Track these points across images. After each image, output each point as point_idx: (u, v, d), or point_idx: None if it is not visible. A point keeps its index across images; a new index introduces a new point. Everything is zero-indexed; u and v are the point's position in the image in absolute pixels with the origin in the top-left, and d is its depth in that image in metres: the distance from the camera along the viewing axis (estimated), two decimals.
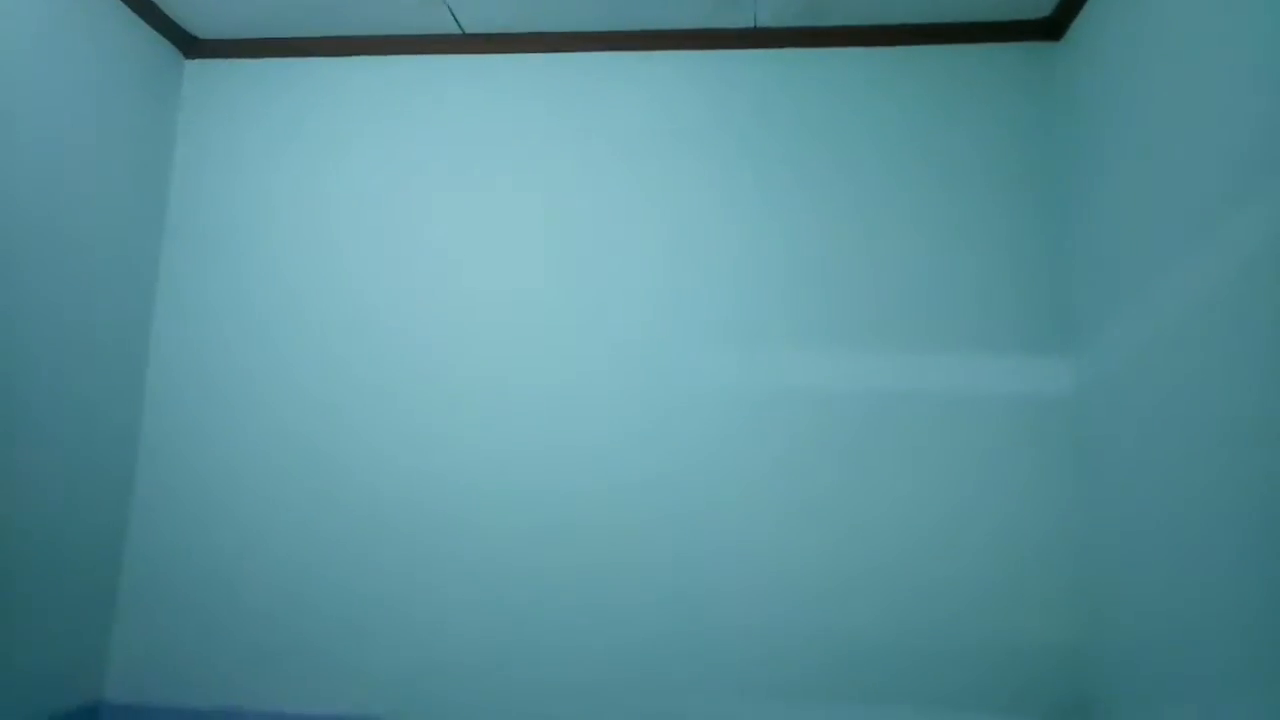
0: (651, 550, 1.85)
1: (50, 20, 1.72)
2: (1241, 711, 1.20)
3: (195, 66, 2.13)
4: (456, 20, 2.01)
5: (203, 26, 2.07)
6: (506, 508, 1.90)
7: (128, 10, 1.94)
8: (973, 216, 1.90)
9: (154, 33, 2.02)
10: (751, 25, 1.99)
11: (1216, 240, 1.29)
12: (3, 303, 1.61)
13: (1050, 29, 1.93)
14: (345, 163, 2.07)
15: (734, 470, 1.86)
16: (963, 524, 1.79)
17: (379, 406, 1.96)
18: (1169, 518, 1.42)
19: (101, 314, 1.88)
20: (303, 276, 2.03)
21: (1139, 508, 1.53)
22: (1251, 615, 1.19)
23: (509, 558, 1.88)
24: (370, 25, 2.05)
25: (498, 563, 1.88)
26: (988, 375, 1.84)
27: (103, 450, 1.89)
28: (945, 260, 1.89)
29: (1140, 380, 1.53)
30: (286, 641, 1.90)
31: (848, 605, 1.79)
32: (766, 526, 1.83)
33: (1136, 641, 1.53)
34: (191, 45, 2.12)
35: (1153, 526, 1.47)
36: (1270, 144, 1.18)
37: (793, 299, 1.91)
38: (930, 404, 1.84)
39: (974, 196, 1.91)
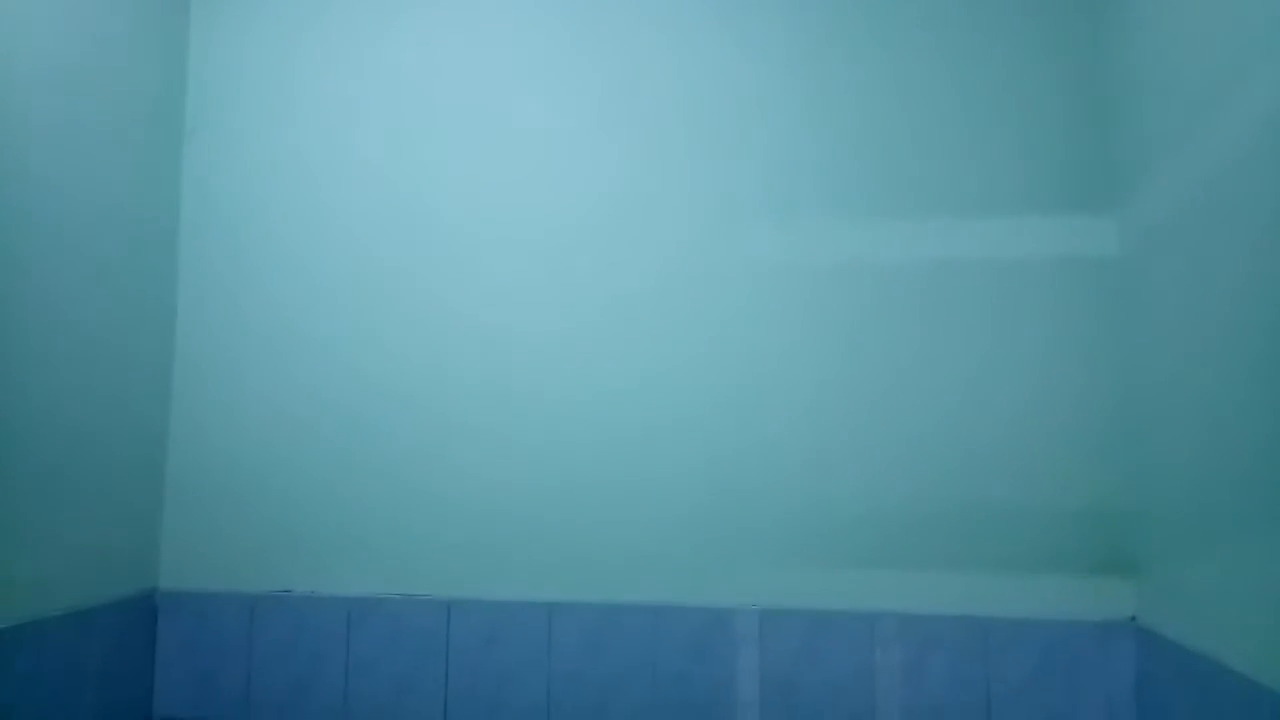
0: (687, 428, 1.87)
1: None
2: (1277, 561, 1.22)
3: None
4: None
5: None
6: (545, 387, 1.92)
7: None
8: (1011, 74, 1.86)
9: None
10: None
11: (1265, 85, 1.24)
12: (26, 201, 1.62)
13: None
14: (376, 45, 2.05)
15: (768, 344, 1.86)
16: (1002, 389, 1.79)
17: (419, 291, 1.97)
18: (1211, 376, 1.41)
19: (128, 210, 1.89)
20: (338, 166, 2.04)
21: (1181, 367, 1.52)
22: None
23: (548, 435, 1.91)
24: None
25: (539, 440, 1.91)
26: (1030, 237, 1.82)
27: (139, 342, 1.92)
28: (984, 120, 1.86)
29: (1186, 236, 1.50)
30: (333, 526, 1.94)
31: (886, 476, 1.81)
32: (803, 400, 1.84)
33: (1175, 501, 1.54)
34: None
35: (1194, 386, 1.47)
36: None
37: (825, 166, 1.89)
38: (971, 270, 1.82)
39: (1012, 53, 1.86)
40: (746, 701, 1.81)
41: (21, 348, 1.59)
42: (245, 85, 2.07)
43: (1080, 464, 1.77)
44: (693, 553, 1.86)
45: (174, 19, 2.04)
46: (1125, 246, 1.77)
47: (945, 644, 1.77)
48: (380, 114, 2.03)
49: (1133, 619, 1.71)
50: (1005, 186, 1.84)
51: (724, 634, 1.83)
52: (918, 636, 1.78)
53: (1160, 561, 1.63)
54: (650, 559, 1.87)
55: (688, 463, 1.87)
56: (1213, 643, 1.40)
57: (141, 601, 1.92)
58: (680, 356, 1.90)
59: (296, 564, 1.95)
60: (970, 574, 1.77)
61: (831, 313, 1.86)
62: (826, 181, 1.89)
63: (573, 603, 1.87)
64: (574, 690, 1.85)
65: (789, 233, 1.89)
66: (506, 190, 1.97)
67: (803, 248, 1.89)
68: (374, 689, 1.90)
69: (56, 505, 1.68)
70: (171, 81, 2.03)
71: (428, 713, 1.88)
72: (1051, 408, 1.79)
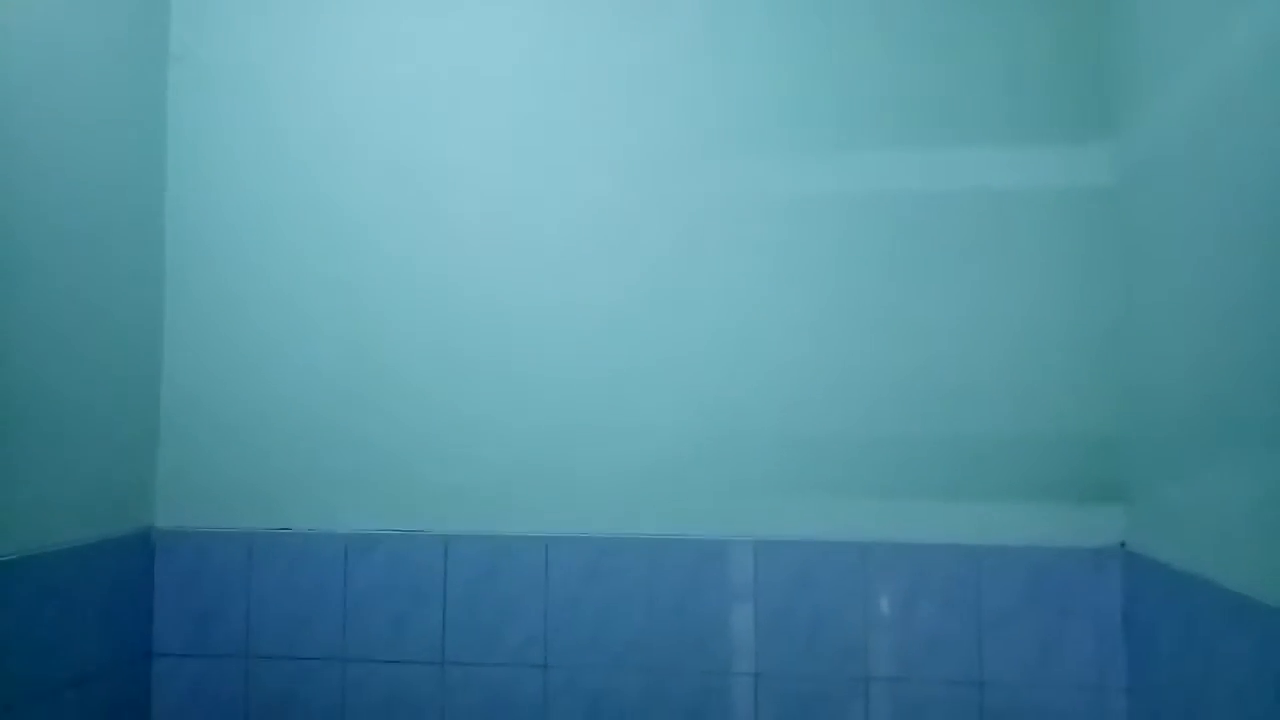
0: (680, 363, 1.87)
1: None
2: (1273, 482, 1.25)
3: None
4: None
5: None
6: (546, 319, 1.92)
7: None
8: None
9: None
10: None
11: (1264, 6, 1.23)
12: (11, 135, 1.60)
13: None
14: None
15: (760, 278, 1.86)
16: (993, 320, 1.80)
17: (413, 226, 1.96)
18: (1203, 302, 1.41)
19: (112, 148, 1.87)
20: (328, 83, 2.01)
21: (1173, 295, 1.53)
22: None
23: (544, 372, 1.91)
24: None
25: (535, 376, 1.91)
26: (1022, 167, 1.81)
27: (129, 278, 1.91)
28: (972, 47, 1.84)
29: (1182, 164, 1.49)
30: (330, 463, 1.94)
31: (879, 408, 1.82)
32: (795, 333, 1.85)
33: (1165, 427, 1.56)
34: None
35: (1186, 313, 1.48)
36: None
37: (800, 100, 1.87)
38: (963, 201, 1.82)
39: None
40: (742, 631, 1.83)
41: (11, 283, 1.58)
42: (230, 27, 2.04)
43: (1071, 393, 1.78)
44: (687, 486, 1.87)
45: None
46: (1119, 175, 1.77)
47: (937, 572, 1.79)
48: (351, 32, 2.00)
49: (1122, 545, 1.74)
50: (996, 115, 1.83)
51: (719, 566, 1.85)
52: (910, 565, 1.80)
53: (1150, 487, 1.65)
54: (646, 493, 1.88)
55: (682, 397, 1.88)
56: (1200, 562, 1.42)
57: (138, 540, 1.93)
58: (672, 292, 1.89)
59: (294, 502, 1.95)
60: (962, 503, 1.79)
61: (821, 246, 1.86)
62: (815, 113, 1.88)
63: (569, 537, 1.89)
64: (571, 623, 1.87)
65: (780, 167, 1.88)
66: (504, 128, 1.96)
67: (793, 181, 1.88)
68: (372, 624, 1.91)
69: (50, 442, 1.67)
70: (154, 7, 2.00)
71: (426, 647, 1.90)
72: (1042, 338, 1.79)
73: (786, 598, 1.83)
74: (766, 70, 1.89)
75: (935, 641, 1.78)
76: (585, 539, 1.88)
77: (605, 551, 1.88)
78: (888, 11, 1.87)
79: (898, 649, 1.79)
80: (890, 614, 1.80)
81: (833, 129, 1.87)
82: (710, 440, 1.87)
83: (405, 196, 1.96)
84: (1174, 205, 1.55)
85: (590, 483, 1.89)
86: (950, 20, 1.85)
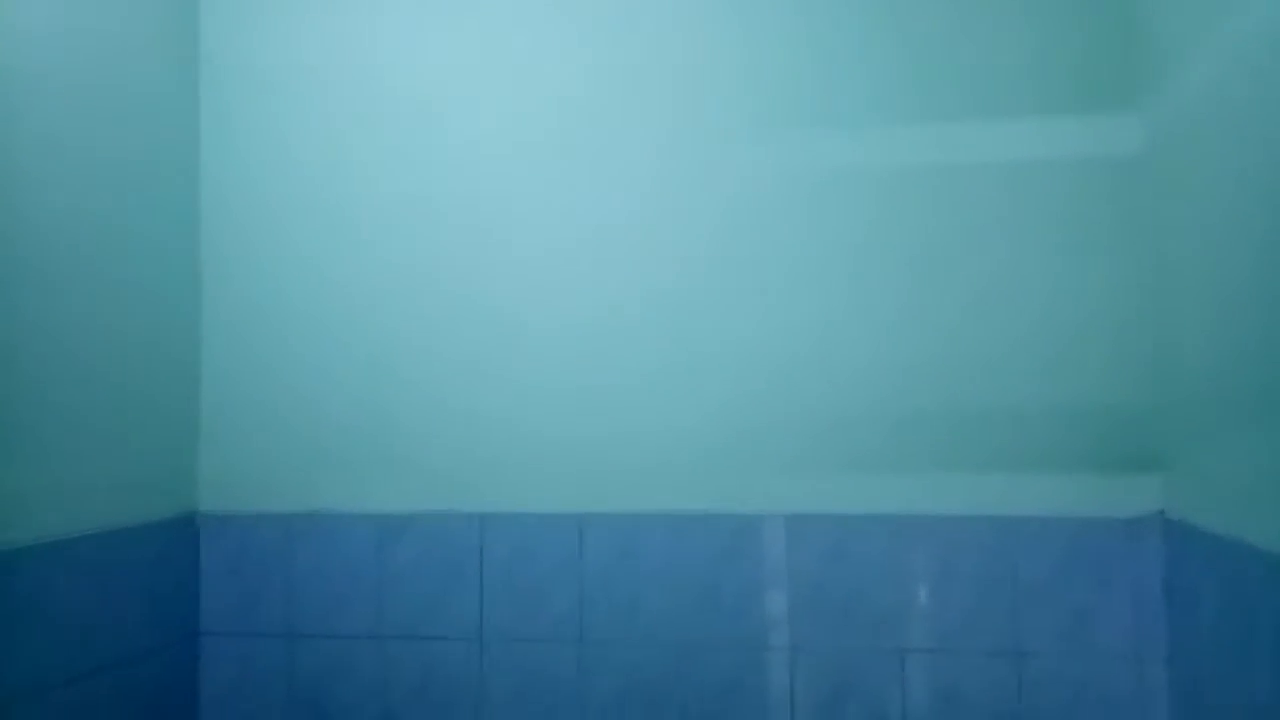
0: (711, 340, 1.87)
1: None
2: None
3: None
4: None
5: None
6: (580, 300, 1.93)
7: None
8: None
9: None
10: None
11: None
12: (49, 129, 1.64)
13: None
14: None
15: (790, 253, 1.85)
16: (1025, 290, 1.79)
17: (450, 204, 1.98)
18: (1235, 268, 1.39)
19: (147, 140, 1.91)
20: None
21: (1204, 261, 1.50)
22: None
23: (578, 350, 1.92)
24: None
25: (568, 355, 1.92)
26: (1049, 137, 1.79)
27: (165, 270, 1.95)
28: (997, 16, 1.82)
29: (1212, 131, 1.47)
30: (364, 445, 1.97)
31: (911, 380, 1.81)
32: (825, 308, 1.84)
33: (1200, 393, 1.54)
34: None
35: (1218, 277, 1.45)
36: None
37: (826, 77, 1.86)
38: (991, 173, 1.80)
39: None
40: (775, 606, 1.84)
41: (53, 275, 1.63)
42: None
43: (1105, 361, 1.76)
44: (720, 463, 1.87)
45: None
46: (1148, 143, 1.74)
47: (971, 545, 1.78)
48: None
49: (1161, 513, 1.72)
50: (1023, 87, 1.81)
51: (752, 541, 1.85)
52: (944, 538, 1.79)
53: (1188, 454, 1.62)
54: (679, 469, 1.89)
55: (714, 375, 1.88)
56: (1240, 525, 1.40)
57: (183, 523, 1.97)
58: (702, 272, 1.90)
59: (330, 484, 1.99)
60: (996, 475, 1.78)
61: (849, 223, 1.85)
62: (841, 90, 1.87)
63: (603, 514, 1.90)
64: (605, 599, 1.89)
65: (806, 143, 1.88)
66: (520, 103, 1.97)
67: (819, 158, 1.87)
68: (409, 602, 1.94)
69: (94, 429, 1.72)
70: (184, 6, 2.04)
71: (462, 624, 1.93)
72: (1074, 307, 1.77)
73: (820, 572, 1.83)
74: (793, 48, 1.88)
75: (971, 613, 1.77)
76: (619, 516, 1.90)
77: (639, 528, 1.89)
78: None
79: (933, 621, 1.79)
80: (925, 587, 1.80)
81: (858, 105, 1.86)
82: (742, 416, 1.87)
83: (441, 179, 1.98)
84: (1202, 172, 1.52)
85: (624, 460, 1.90)
86: None
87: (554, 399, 1.93)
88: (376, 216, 2.00)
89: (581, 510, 1.91)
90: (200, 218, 2.05)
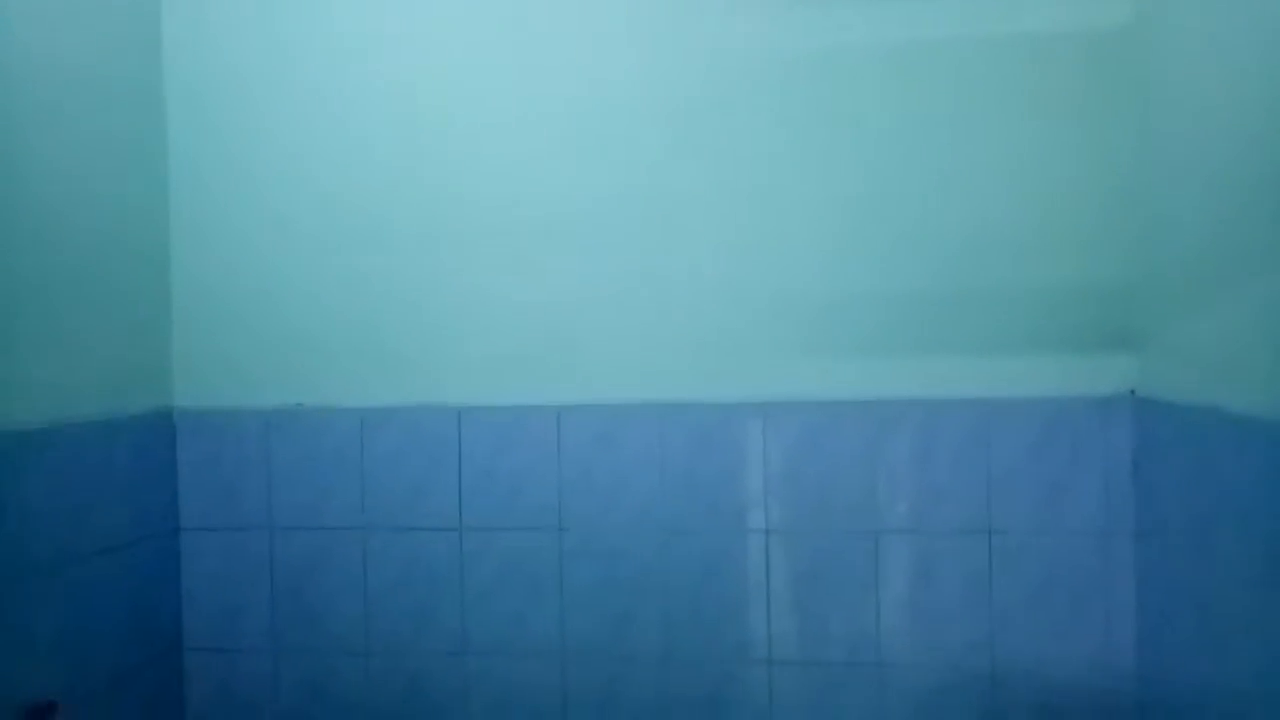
0: (687, 227, 1.86)
1: None
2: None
3: None
4: None
5: None
6: (555, 190, 1.90)
7: None
8: None
9: None
10: None
11: None
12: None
13: None
14: None
15: (766, 138, 1.83)
16: (1002, 168, 1.77)
17: (425, 97, 1.93)
18: (1217, 142, 1.39)
19: (108, 24, 1.85)
20: None
21: (1187, 136, 1.50)
22: None
23: (553, 241, 1.90)
24: None
25: (545, 246, 1.90)
26: (1033, 9, 1.75)
27: (130, 156, 1.90)
28: None
29: (1203, 1, 1.45)
30: (343, 338, 1.96)
31: (885, 263, 1.80)
32: (801, 192, 1.82)
33: (1176, 271, 1.55)
34: None
35: (1199, 153, 1.45)
36: None
37: None
38: (972, 47, 1.77)
39: None
40: (752, 491, 1.86)
41: (17, 165, 1.59)
42: None
43: (1083, 241, 1.76)
44: (696, 351, 1.87)
45: None
46: (1135, 15, 1.71)
47: (946, 426, 1.80)
48: None
49: (1132, 392, 1.74)
50: None
51: (729, 428, 1.86)
52: (919, 421, 1.81)
53: (1162, 331, 1.64)
54: (655, 359, 1.89)
55: (688, 261, 1.87)
56: (1210, 392, 1.42)
57: (159, 418, 1.97)
58: (680, 155, 1.87)
59: (309, 378, 1.98)
60: (971, 357, 1.79)
61: (826, 97, 1.82)
62: None
63: (581, 405, 1.91)
64: (584, 488, 1.90)
65: (782, 17, 1.84)
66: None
67: (792, 33, 1.83)
68: (390, 495, 1.95)
69: (63, 319, 1.70)
70: None
71: (443, 514, 1.94)
72: (1051, 187, 1.77)
73: (796, 457, 1.85)
74: None
75: (945, 494, 1.80)
76: (596, 406, 1.90)
77: (616, 418, 1.90)
78: None
79: (907, 503, 1.81)
80: (900, 469, 1.82)
81: None
82: (718, 304, 1.87)
83: (415, 73, 1.93)
84: (1191, 45, 1.50)
85: (600, 351, 1.90)
86: None
87: (530, 292, 1.92)
88: (352, 105, 1.95)
89: (559, 402, 1.91)
90: (167, 106, 2.00)
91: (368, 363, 1.97)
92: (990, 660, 1.78)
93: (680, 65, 1.86)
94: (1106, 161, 1.75)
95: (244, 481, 1.99)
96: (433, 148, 1.93)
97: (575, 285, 1.91)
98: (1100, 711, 1.75)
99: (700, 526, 1.87)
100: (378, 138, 1.95)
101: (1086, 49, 1.75)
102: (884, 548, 1.82)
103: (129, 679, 1.84)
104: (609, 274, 1.90)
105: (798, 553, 1.84)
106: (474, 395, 1.93)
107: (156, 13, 1.98)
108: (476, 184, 1.93)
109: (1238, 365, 1.35)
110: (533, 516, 1.92)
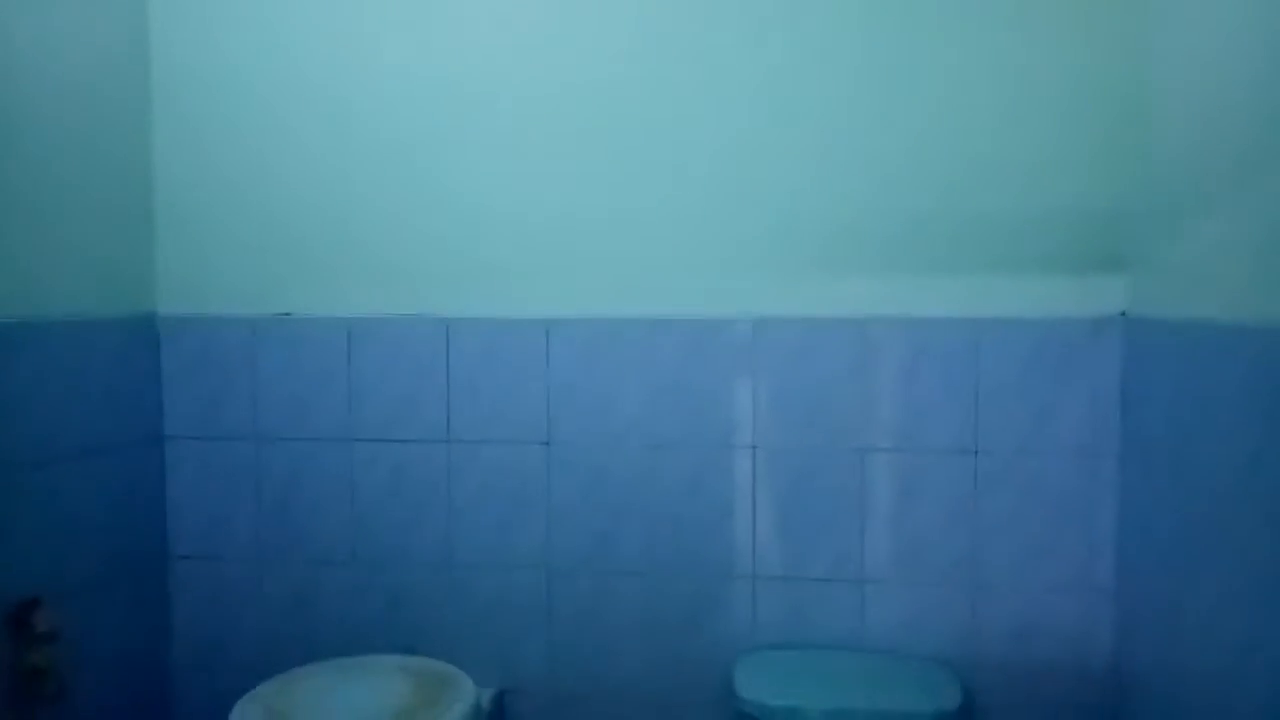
0: (678, 141, 1.83)
1: None
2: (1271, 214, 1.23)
3: None
4: None
5: None
6: (545, 101, 1.87)
7: None
8: None
9: None
10: None
11: None
12: None
13: None
14: None
15: (756, 51, 1.80)
16: (993, 89, 1.75)
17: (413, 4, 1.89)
18: (1213, 55, 1.38)
19: None
20: None
21: (1181, 52, 1.49)
22: None
23: (543, 153, 1.87)
24: None
25: (534, 158, 1.87)
26: None
27: (111, 57, 1.86)
28: None
29: None
30: (330, 247, 1.94)
31: (878, 182, 1.78)
32: (793, 108, 1.80)
33: (1174, 186, 1.54)
34: None
35: (1195, 67, 1.44)
36: None
37: None
38: None
39: None
40: (740, 407, 1.85)
41: None
42: None
43: (1076, 161, 1.74)
44: (686, 266, 1.86)
45: None
46: None
47: (936, 346, 1.79)
48: None
49: (1123, 314, 1.73)
50: None
51: (718, 344, 1.86)
52: (908, 340, 1.80)
53: (1154, 250, 1.63)
54: (644, 273, 1.87)
55: (680, 177, 1.85)
56: (1202, 305, 1.42)
57: (143, 324, 1.95)
58: (669, 71, 1.84)
59: (295, 287, 1.96)
60: (961, 277, 1.78)
61: (816, 14, 1.79)
62: None
63: (569, 318, 1.89)
64: (572, 402, 1.90)
65: None
66: None
67: None
68: (377, 406, 1.95)
69: (41, 215, 1.67)
70: None
71: (430, 427, 1.93)
72: (1044, 107, 1.74)
73: (785, 374, 1.84)
74: None
75: (932, 413, 1.80)
76: (585, 320, 1.89)
77: (605, 332, 1.88)
78: None
79: (894, 422, 1.82)
80: (888, 388, 1.81)
81: None
82: (708, 219, 1.85)
83: None
84: None
85: (589, 264, 1.89)
86: None
87: (520, 204, 1.89)
88: (339, 9, 1.91)
89: (548, 315, 1.90)
90: (149, 6, 1.94)
91: (355, 273, 1.94)
92: (971, 578, 1.80)
93: None
94: (1100, 83, 1.72)
95: (229, 390, 1.98)
96: (423, 55, 1.89)
97: (566, 198, 1.88)
98: (1078, 630, 1.77)
99: (687, 442, 1.87)
100: (366, 44, 1.90)
101: None
102: (870, 466, 1.82)
103: (114, 582, 1.84)
104: (601, 187, 1.87)
105: (784, 469, 1.85)
106: (462, 307, 1.92)
107: None
108: (468, 94, 1.89)
109: (1227, 276, 1.34)
110: (520, 430, 1.91)
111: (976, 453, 1.79)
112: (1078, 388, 1.76)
